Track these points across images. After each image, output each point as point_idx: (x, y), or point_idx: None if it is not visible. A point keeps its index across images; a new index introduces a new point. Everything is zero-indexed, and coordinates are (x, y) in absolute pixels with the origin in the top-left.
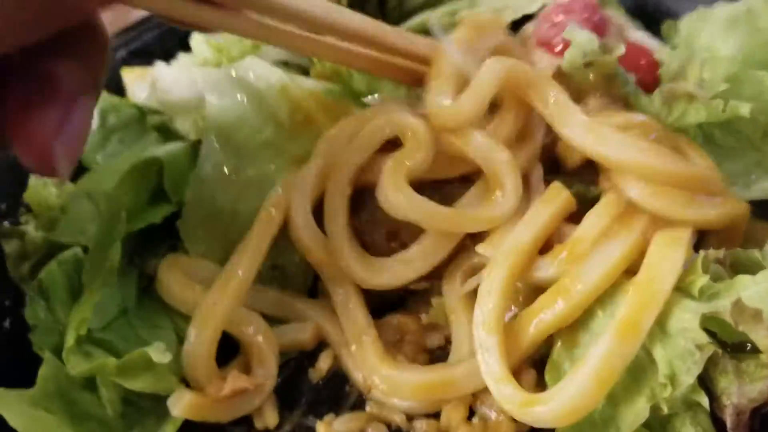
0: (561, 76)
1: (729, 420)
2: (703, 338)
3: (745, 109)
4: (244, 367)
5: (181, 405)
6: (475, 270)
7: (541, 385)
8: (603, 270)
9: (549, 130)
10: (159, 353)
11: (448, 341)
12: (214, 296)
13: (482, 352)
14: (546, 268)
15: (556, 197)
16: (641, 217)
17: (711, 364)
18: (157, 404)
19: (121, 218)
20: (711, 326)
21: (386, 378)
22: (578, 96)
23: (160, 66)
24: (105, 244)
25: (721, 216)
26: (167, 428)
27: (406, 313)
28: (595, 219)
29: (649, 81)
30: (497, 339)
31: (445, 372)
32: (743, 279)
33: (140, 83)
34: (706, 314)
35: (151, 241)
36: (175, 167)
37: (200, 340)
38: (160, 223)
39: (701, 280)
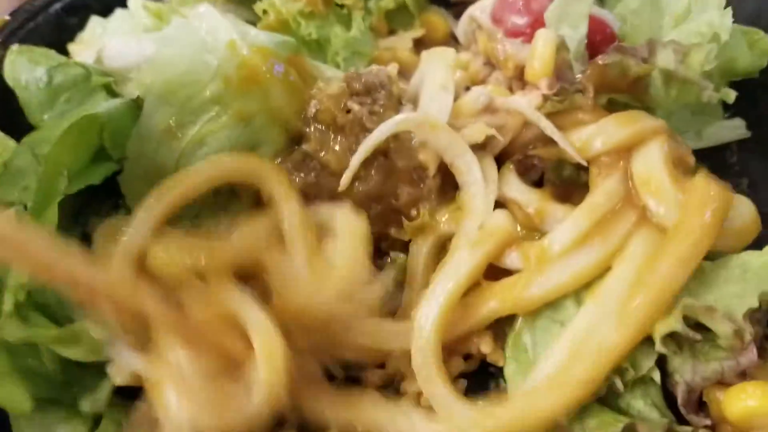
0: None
1: (680, 396)
2: (661, 348)
3: (731, 96)
4: None
5: (124, 375)
6: (445, 238)
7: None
8: (561, 282)
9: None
10: (99, 330)
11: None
12: None
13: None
14: (513, 261)
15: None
16: (624, 223)
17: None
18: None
19: (59, 179)
20: None
21: None
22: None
23: (107, 37)
24: (43, 205)
25: None
26: (105, 384)
27: None
28: (566, 229)
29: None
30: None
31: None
32: (702, 265)
33: (85, 51)
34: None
35: (94, 200)
36: (117, 124)
37: None
38: (103, 181)
39: None
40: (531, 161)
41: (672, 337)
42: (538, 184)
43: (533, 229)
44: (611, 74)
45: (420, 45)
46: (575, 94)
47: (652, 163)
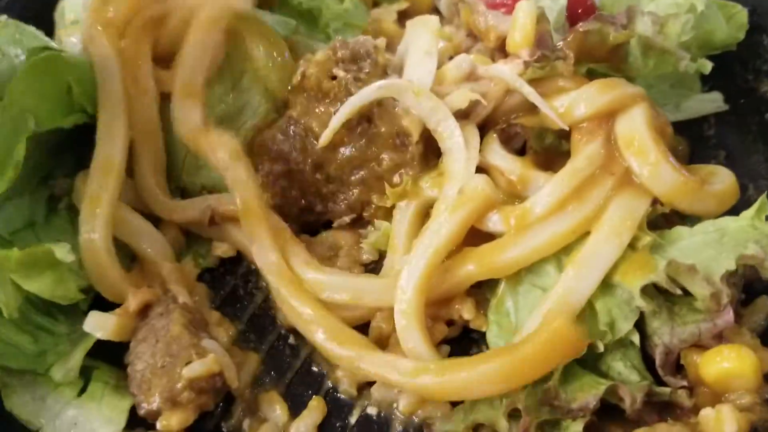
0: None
1: (658, 358)
2: (641, 302)
3: (708, 66)
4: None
5: (108, 328)
6: (428, 205)
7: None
8: (539, 245)
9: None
10: (63, 251)
11: (382, 256)
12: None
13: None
14: (495, 224)
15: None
16: (602, 188)
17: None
18: (71, 329)
19: (25, 117)
20: None
21: (313, 282)
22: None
23: None
24: (10, 142)
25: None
26: (77, 353)
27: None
28: (549, 192)
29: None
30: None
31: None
32: (680, 230)
33: (73, 37)
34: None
35: (61, 163)
36: (85, 69)
37: (93, 227)
38: (71, 144)
39: (646, 238)
40: (514, 129)
41: (651, 296)
42: (520, 152)
43: (516, 196)
44: (591, 42)
45: (404, 17)
46: (556, 61)
47: (635, 125)
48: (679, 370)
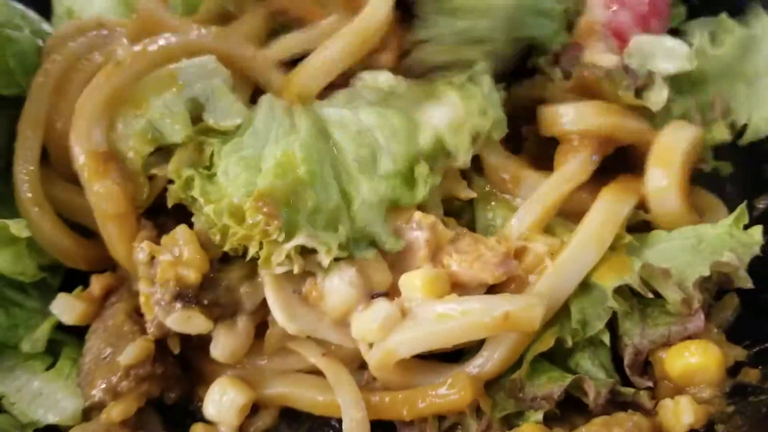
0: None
1: (627, 358)
2: (613, 302)
3: None
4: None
5: (74, 314)
6: None
7: None
8: None
9: None
10: (19, 227)
11: None
12: None
13: None
14: None
15: None
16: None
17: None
18: (42, 304)
19: None
20: None
21: None
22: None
23: None
24: None
25: None
26: (44, 325)
27: None
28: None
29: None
30: None
31: None
32: (658, 233)
33: None
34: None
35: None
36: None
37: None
38: None
39: (624, 239)
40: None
41: (624, 297)
42: (516, 149)
43: (507, 194)
44: (599, 89)
45: None
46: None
47: (677, 141)
48: (646, 370)
